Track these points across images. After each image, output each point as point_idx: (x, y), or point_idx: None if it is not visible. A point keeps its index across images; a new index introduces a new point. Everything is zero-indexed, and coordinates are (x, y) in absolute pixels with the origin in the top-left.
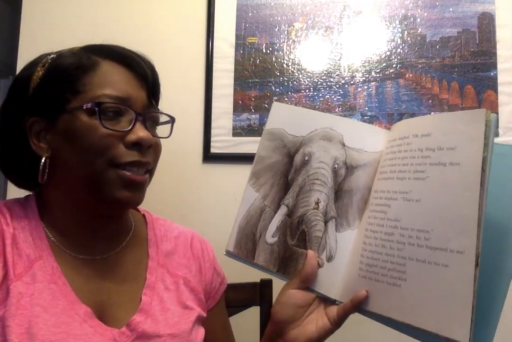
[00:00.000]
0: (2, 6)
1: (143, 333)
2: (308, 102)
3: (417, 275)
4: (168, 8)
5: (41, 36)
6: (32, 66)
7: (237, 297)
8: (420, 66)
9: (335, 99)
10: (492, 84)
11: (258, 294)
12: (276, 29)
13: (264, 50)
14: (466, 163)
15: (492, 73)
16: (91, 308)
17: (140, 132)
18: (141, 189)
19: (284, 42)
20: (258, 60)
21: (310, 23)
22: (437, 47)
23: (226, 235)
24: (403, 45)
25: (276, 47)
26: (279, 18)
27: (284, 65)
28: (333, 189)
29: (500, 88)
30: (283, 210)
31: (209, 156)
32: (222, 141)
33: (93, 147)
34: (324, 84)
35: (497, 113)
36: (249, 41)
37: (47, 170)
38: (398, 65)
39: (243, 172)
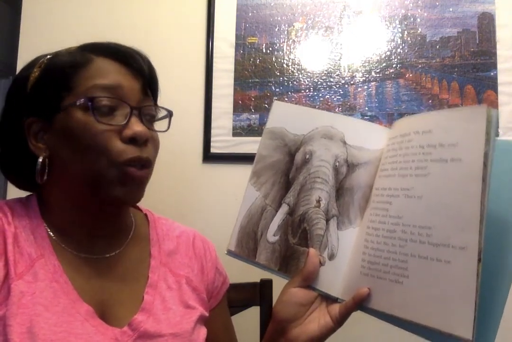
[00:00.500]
0: (2, 6)
1: (145, 332)
2: (308, 102)
3: (419, 271)
4: (168, 8)
5: (41, 36)
6: (29, 67)
7: (237, 297)
8: (420, 66)
9: (335, 99)
10: (492, 84)
11: (258, 294)
12: (276, 29)
13: (264, 50)
14: (468, 159)
15: (492, 73)
16: (93, 307)
17: (135, 126)
18: (141, 186)
19: (284, 42)
20: (258, 60)
21: (310, 23)
22: (437, 47)
23: (226, 234)
24: (403, 45)
25: (276, 47)
26: (279, 18)
27: (284, 65)
28: (335, 187)
29: (500, 88)
30: (284, 209)
31: (209, 156)
32: (222, 141)
33: (90, 144)
34: (324, 84)
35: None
36: (249, 41)
37: (46, 170)
38: (398, 65)
39: (243, 171)
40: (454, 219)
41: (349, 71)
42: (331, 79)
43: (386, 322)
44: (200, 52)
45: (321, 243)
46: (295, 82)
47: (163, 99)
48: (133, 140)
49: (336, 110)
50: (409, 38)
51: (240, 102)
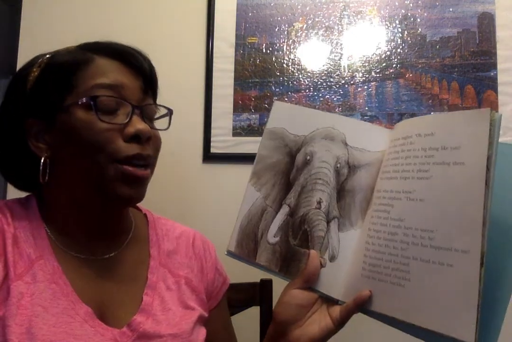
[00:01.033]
0: (2, 6)
1: (144, 333)
2: (308, 102)
3: (421, 274)
4: (168, 8)
5: (41, 36)
6: (28, 67)
7: (237, 297)
8: (420, 66)
9: (335, 99)
10: (492, 84)
11: (258, 294)
12: (276, 29)
13: (264, 50)
14: (471, 163)
15: (492, 73)
16: (92, 308)
17: (138, 124)
18: (143, 185)
19: (284, 42)
20: (258, 60)
21: (310, 23)
22: (437, 47)
23: (226, 235)
24: (403, 45)
25: (276, 47)
26: (279, 18)
27: (284, 65)
28: (336, 188)
29: (500, 88)
30: (285, 210)
31: (209, 156)
32: (222, 141)
33: (92, 143)
34: (324, 84)
35: None
36: (249, 41)
37: (47, 170)
38: (398, 65)
39: (243, 171)
40: (456, 222)
41: (349, 71)
42: (331, 79)
43: (387, 325)
44: (200, 52)
45: (322, 245)
46: (295, 82)
47: (163, 99)
48: (136, 138)
49: (336, 110)
50: (409, 38)
51: (240, 102)
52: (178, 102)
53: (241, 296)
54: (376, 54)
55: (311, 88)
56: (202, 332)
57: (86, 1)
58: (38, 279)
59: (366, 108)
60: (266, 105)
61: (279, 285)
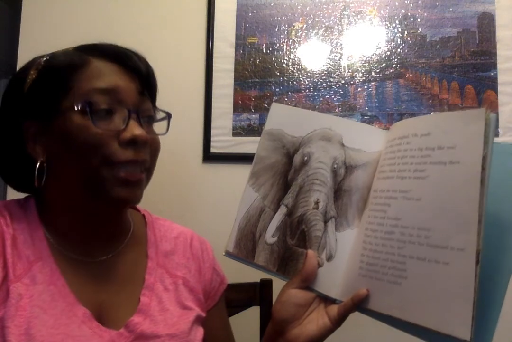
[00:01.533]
0: (2, 6)
1: (142, 334)
2: (308, 102)
3: (417, 273)
4: (168, 8)
5: (41, 36)
6: (25, 69)
7: (237, 297)
8: (420, 66)
9: (335, 99)
10: (492, 84)
11: (258, 294)
12: (276, 29)
13: (264, 50)
14: (466, 162)
15: (492, 73)
16: (90, 309)
17: (134, 129)
18: (138, 188)
19: (284, 42)
20: (258, 60)
21: (310, 23)
22: (437, 47)
23: (226, 235)
24: (403, 45)
25: (276, 47)
26: (279, 18)
27: (284, 65)
28: (333, 188)
29: (500, 88)
30: (282, 210)
31: (209, 156)
32: (222, 141)
33: (87, 147)
34: (324, 84)
35: (497, 113)
36: (249, 41)
37: (45, 174)
38: (398, 65)
39: (243, 172)
40: (452, 221)
41: (349, 71)
42: (331, 79)
43: (384, 323)
44: (200, 52)
45: (319, 244)
46: (295, 82)
47: (163, 100)
48: (132, 143)
49: (336, 110)
50: (409, 38)
51: (240, 102)
52: (178, 102)
53: (241, 296)
54: (376, 54)
55: (311, 88)
56: (199, 332)
57: (86, 1)
58: (37, 280)
59: (366, 108)
60: (266, 105)
61: (279, 285)
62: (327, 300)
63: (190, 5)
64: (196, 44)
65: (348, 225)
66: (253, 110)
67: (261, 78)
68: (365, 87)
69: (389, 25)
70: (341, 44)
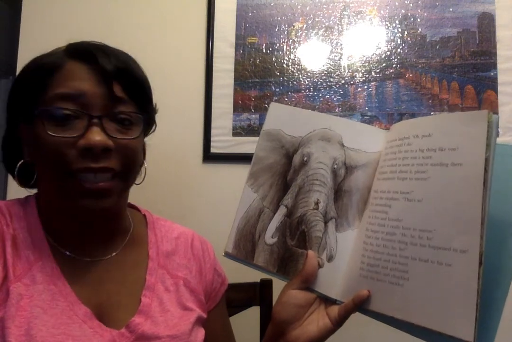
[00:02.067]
0: (2, 6)
1: (143, 334)
2: (308, 102)
3: (420, 274)
4: (168, 8)
5: (41, 36)
6: (21, 70)
7: (237, 297)
8: (420, 66)
9: (335, 99)
10: (492, 84)
11: (258, 294)
12: (276, 29)
13: (264, 50)
14: (469, 164)
15: (492, 73)
16: (91, 309)
17: (91, 136)
18: (105, 196)
19: (284, 42)
20: (258, 60)
21: (310, 23)
22: (437, 47)
23: (226, 235)
24: (403, 45)
25: (276, 47)
26: (279, 18)
27: (284, 65)
28: (333, 189)
29: (500, 88)
30: (282, 211)
31: (209, 156)
32: (222, 141)
33: (46, 154)
34: (324, 84)
35: (497, 113)
36: (249, 41)
37: (36, 174)
38: (398, 65)
39: (243, 172)
40: (455, 222)
41: (349, 71)
42: (331, 79)
43: (386, 324)
44: (200, 52)
45: (319, 245)
46: (295, 82)
47: (163, 100)
48: (88, 150)
49: (336, 110)
50: (409, 38)
51: (240, 102)
52: (178, 102)
53: (241, 296)
54: (376, 54)
55: (311, 88)
56: (200, 333)
57: (86, 1)
58: (37, 280)
59: (366, 108)
60: (266, 105)
61: (279, 285)
62: (327, 301)
63: (190, 5)
64: (196, 44)
65: (349, 225)
66: (253, 110)
67: (261, 78)
68: (365, 87)
69: (389, 25)
70: (341, 44)
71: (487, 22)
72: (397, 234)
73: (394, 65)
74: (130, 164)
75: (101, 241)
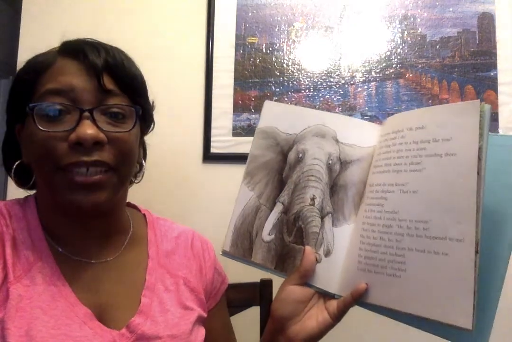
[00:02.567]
0: (2, 6)
1: (143, 334)
2: (308, 102)
3: (417, 265)
4: (168, 8)
5: (41, 36)
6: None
7: (237, 297)
8: (420, 66)
9: (335, 99)
10: (492, 84)
11: (258, 294)
12: (276, 29)
13: (264, 50)
14: (462, 153)
15: (492, 73)
16: (91, 309)
17: (82, 129)
18: (97, 190)
19: (284, 42)
20: (258, 60)
21: (310, 23)
22: (437, 47)
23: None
24: (403, 45)
25: (276, 47)
26: (279, 18)
27: (284, 65)
28: (328, 184)
29: (500, 88)
30: (278, 208)
31: (209, 156)
32: (222, 141)
33: (38, 151)
34: (324, 84)
35: (497, 113)
36: (249, 41)
37: (34, 174)
38: (398, 65)
39: (243, 171)
40: (450, 212)
41: (349, 71)
42: (331, 79)
43: (385, 317)
44: (200, 52)
45: (316, 240)
46: (295, 82)
47: (163, 100)
48: (79, 144)
49: (336, 110)
50: (409, 38)
51: (240, 102)
52: (178, 102)
53: (241, 296)
54: (376, 54)
55: (311, 88)
56: (201, 332)
57: (86, 1)
58: (37, 281)
59: (366, 108)
60: None
61: (279, 284)
62: (326, 296)
63: (190, 5)
64: (196, 44)
65: (345, 220)
66: (253, 110)
67: (261, 78)
68: (365, 87)
69: (389, 25)
70: (341, 44)
71: (487, 22)
72: (393, 226)
73: (394, 65)
74: (124, 157)
75: (100, 242)
